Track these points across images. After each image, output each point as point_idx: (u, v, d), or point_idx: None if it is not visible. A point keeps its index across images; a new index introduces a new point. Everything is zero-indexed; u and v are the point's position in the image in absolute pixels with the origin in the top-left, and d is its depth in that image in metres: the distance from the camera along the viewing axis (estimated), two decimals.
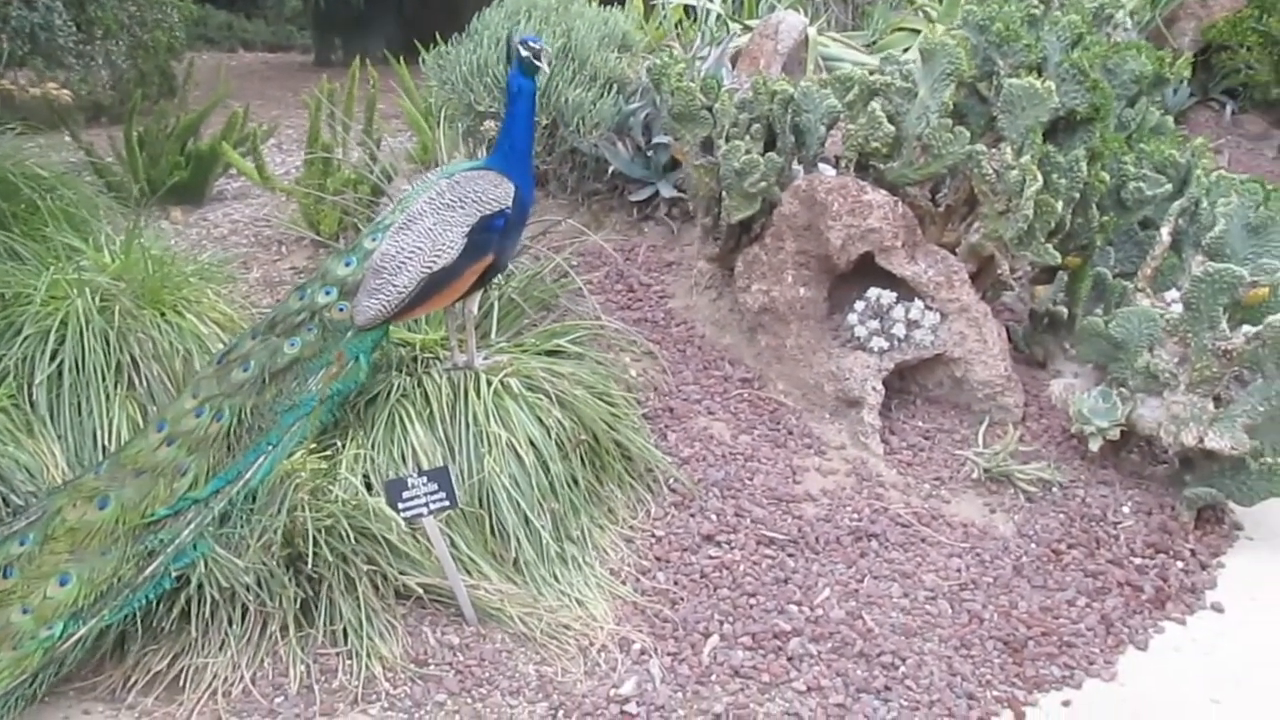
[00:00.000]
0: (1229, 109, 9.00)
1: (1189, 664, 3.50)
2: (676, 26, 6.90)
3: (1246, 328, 4.05)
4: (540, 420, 3.69)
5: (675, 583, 3.61)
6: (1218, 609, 3.75)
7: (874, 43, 7.21)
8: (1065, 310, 4.70)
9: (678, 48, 5.96)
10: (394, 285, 3.44)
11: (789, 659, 3.33)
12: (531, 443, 3.63)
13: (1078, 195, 4.32)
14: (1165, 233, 4.35)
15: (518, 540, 3.52)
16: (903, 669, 3.33)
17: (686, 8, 7.10)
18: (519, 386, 3.73)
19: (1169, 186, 4.66)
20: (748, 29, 6.65)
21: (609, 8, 5.65)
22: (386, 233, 3.50)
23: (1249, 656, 3.53)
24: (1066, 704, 3.30)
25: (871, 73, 4.69)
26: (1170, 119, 5.34)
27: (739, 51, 6.35)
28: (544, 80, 4.41)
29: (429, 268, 3.45)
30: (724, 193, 4.48)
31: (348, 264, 3.53)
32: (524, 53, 3.57)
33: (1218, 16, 8.96)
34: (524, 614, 3.39)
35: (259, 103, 9.75)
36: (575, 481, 3.72)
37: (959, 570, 3.76)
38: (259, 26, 17.16)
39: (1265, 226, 4.15)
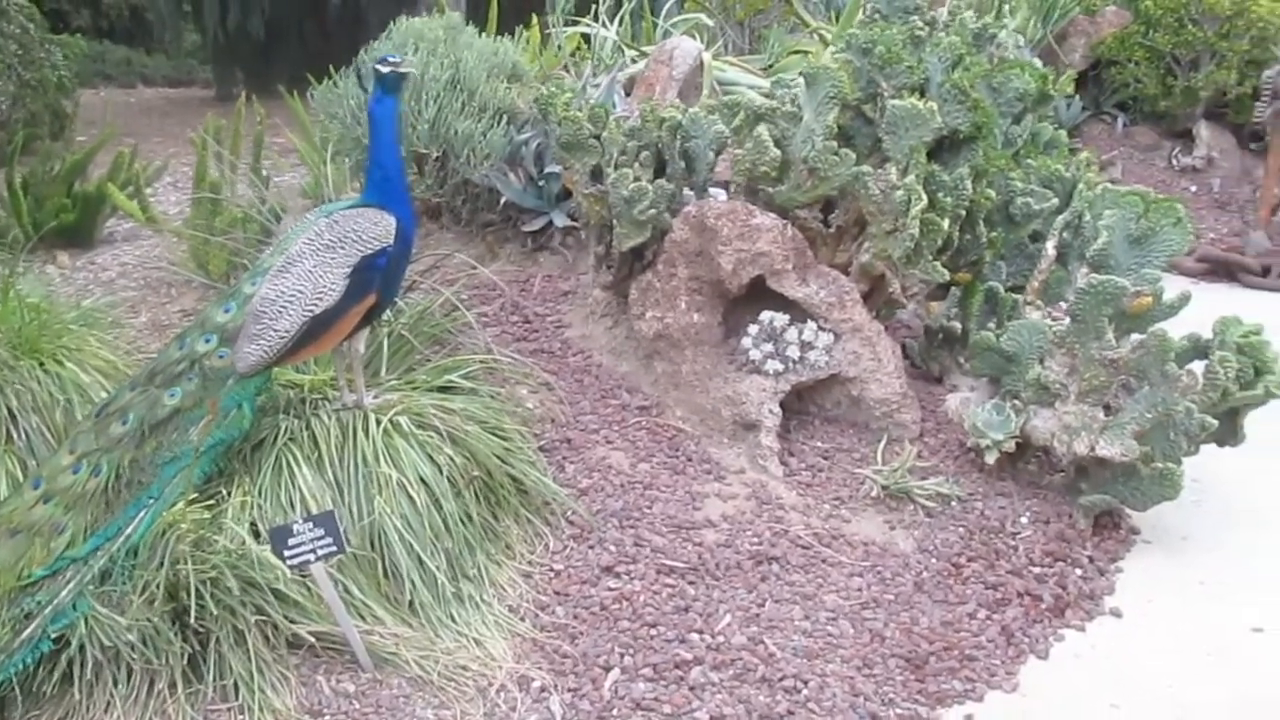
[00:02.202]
0: (1120, 122, 9.23)
1: (1089, 670, 3.54)
2: (573, 55, 6.90)
3: (1135, 337, 4.13)
4: (431, 458, 3.63)
5: (575, 617, 3.57)
6: (1116, 614, 3.80)
7: (770, 66, 7.27)
8: (959, 325, 4.76)
9: (568, 76, 5.95)
10: (275, 330, 3.36)
11: (691, 689, 3.30)
12: (423, 481, 3.57)
13: (964, 212, 4.37)
14: (1050, 246, 4.42)
15: (412, 582, 3.45)
16: (805, 692, 3.31)
17: (584, 35, 7.11)
18: (409, 424, 3.67)
19: (1056, 201, 4.74)
20: (644, 55, 6.67)
21: (499, 38, 5.63)
22: (265, 276, 3.43)
23: (1147, 659, 3.58)
24: (969, 718, 3.31)
25: (767, 96, 4.73)
26: (1064, 133, 5.44)
27: (635, 78, 6.37)
28: (411, 83, 4.31)
29: (311, 311, 3.38)
30: (615, 221, 4.47)
31: (227, 310, 3.45)
32: (384, 70, 3.51)
33: (1106, 33, 9.19)
34: (420, 657, 3.33)
35: (158, 139, 9.60)
36: (470, 518, 3.66)
37: (860, 589, 3.76)
38: (159, 61, 16.90)
39: (1146, 237, 4.23)
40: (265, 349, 3.36)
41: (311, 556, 3.13)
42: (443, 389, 3.97)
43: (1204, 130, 8.97)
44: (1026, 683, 3.46)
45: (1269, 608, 3.81)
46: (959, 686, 3.41)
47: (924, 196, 4.16)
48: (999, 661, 3.52)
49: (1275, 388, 4.02)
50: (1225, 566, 4.07)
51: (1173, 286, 4.32)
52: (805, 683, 3.34)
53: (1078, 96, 8.98)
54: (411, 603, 3.46)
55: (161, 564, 3.19)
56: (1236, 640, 3.67)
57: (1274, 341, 4.21)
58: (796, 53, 7.34)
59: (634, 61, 6.66)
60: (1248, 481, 4.58)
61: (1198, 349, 4.16)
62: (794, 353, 4.32)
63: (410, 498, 3.53)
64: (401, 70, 3.55)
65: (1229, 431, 4.13)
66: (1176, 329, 4.13)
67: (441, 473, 3.63)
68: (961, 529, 4.08)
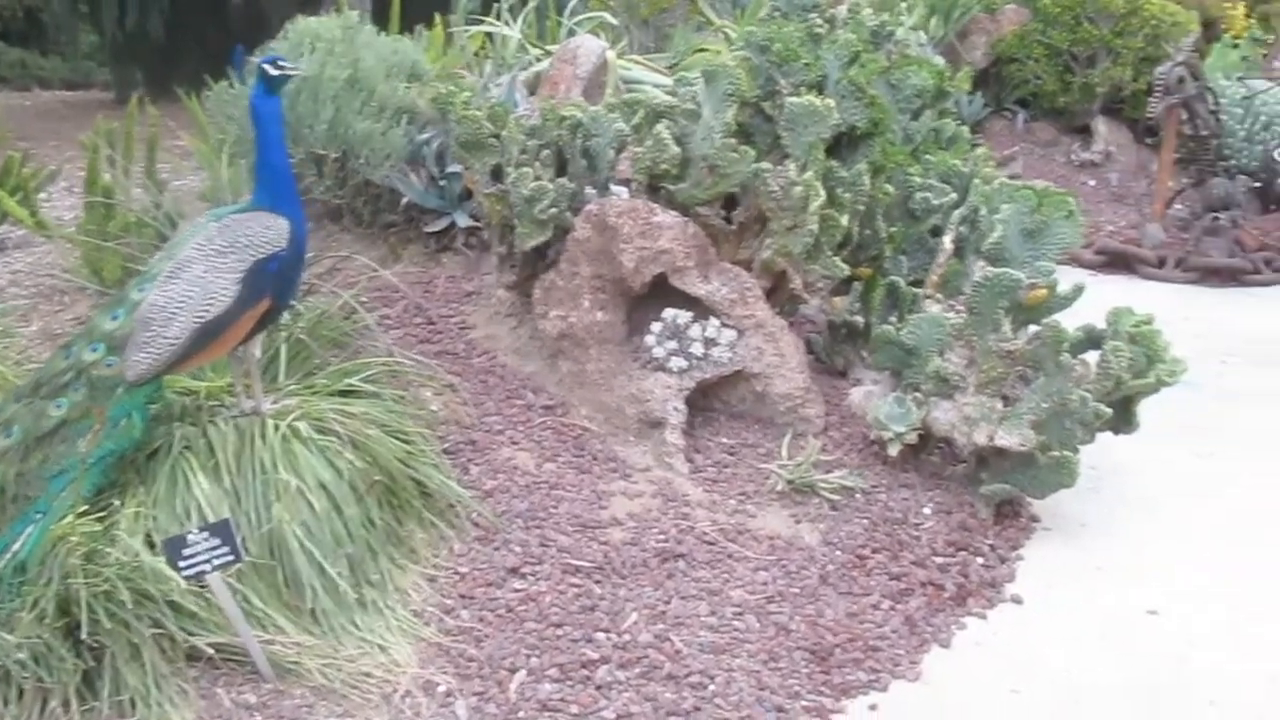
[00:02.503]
0: (1021, 118, 9.41)
1: (990, 657, 3.60)
2: (477, 54, 6.85)
3: (1032, 328, 4.21)
4: (332, 463, 3.57)
5: (480, 619, 3.54)
6: (1017, 600, 3.87)
7: (675, 65, 7.29)
8: (861, 320, 4.81)
9: (468, 75, 5.91)
10: (164, 337, 3.28)
11: (598, 688, 3.29)
12: (323, 487, 3.51)
13: (863, 208, 4.43)
14: (948, 241, 4.50)
15: (313, 589, 3.39)
16: (712, 687, 3.32)
17: (489, 34, 7.06)
18: (308, 429, 3.61)
19: (954, 196, 4.81)
20: (548, 54, 6.66)
21: (400, 37, 5.58)
22: (154, 282, 3.36)
23: (1046, 644, 3.65)
24: (873, 708, 3.34)
25: (671, 94, 4.74)
26: (966, 130, 5.53)
27: (540, 77, 6.36)
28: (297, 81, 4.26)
29: (201, 317, 3.31)
30: (516, 220, 4.45)
31: (114, 318, 3.37)
32: (274, 72, 3.45)
33: (1006, 31, 9.37)
34: (323, 665, 3.27)
35: (54, 143, 9.33)
36: (372, 523, 3.61)
37: (766, 583, 3.78)
38: (55, 63, 16.45)
39: (1040, 231, 4.31)
40: (154, 357, 3.29)
41: (207, 567, 3.07)
42: (343, 393, 3.92)
43: (1101, 125, 9.18)
44: (929, 671, 3.50)
45: (1162, 591, 3.91)
46: (863, 677, 3.44)
47: (822, 193, 4.20)
48: (903, 651, 3.56)
49: (1166, 376, 4.11)
50: (1121, 551, 4.17)
51: (1073, 279, 4.42)
52: (712, 678, 3.35)
53: (979, 93, 9.14)
54: (313, 610, 3.40)
55: (52, 579, 3.10)
56: (1131, 624, 3.76)
57: (1169, 330, 4.33)
58: (702, 50, 7.37)
59: (538, 60, 6.64)
60: (1143, 468, 4.69)
61: (1092, 339, 4.24)
62: (698, 350, 4.34)
63: (310, 504, 3.47)
64: (290, 73, 3.50)
65: (1123, 419, 4.22)
66: (1076, 320, 4.22)
67: (342, 478, 3.58)
68: (866, 521, 4.12)
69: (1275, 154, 7.95)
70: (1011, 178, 7.74)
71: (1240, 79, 8.88)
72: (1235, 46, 9.66)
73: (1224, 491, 4.60)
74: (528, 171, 4.33)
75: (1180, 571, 4.05)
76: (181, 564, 3.05)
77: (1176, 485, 4.64)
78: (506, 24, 6.80)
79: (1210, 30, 9.93)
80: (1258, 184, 7.96)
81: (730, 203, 4.68)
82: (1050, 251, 4.30)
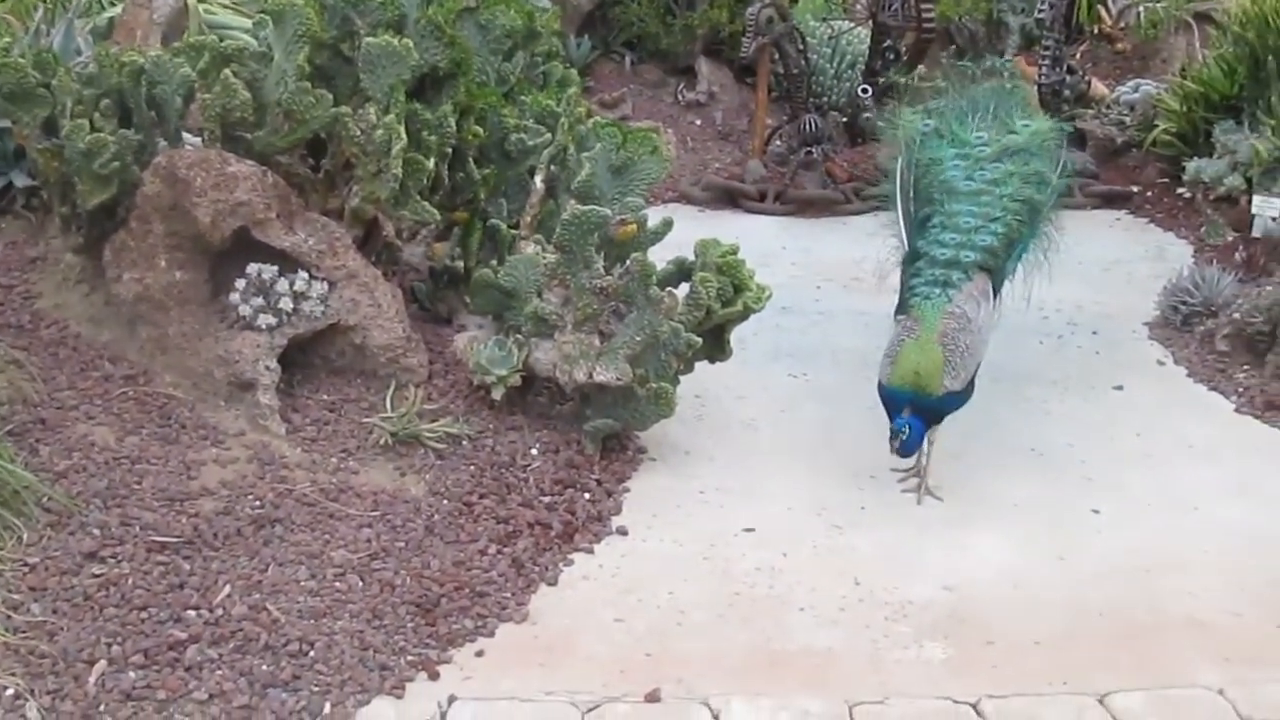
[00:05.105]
0: (629, 60, 9.56)
1: (596, 590, 3.68)
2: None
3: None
4: None
5: (54, 611, 3.26)
6: (623, 532, 3.98)
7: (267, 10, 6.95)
8: (462, 265, 4.77)
9: (14, 22, 5.41)
10: None
11: (187, 669, 3.12)
12: None
13: (450, 151, 4.37)
14: (539, 181, 4.52)
15: None
16: (312, 654, 3.22)
17: None
18: None
19: (549, 136, 4.83)
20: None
21: None
22: None
23: (649, 571, 3.77)
24: (480, 654, 3.35)
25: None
26: (574, 72, 5.55)
27: (113, 23, 5.90)
28: None
29: None
30: (76, 177, 4.11)
31: None
32: None
33: None
34: None
35: None
36: None
37: (369, 540, 3.70)
38: None
39: (626, 167, 4.40)
40: None
41: None
42: None
43: (704, 66, 9.46)
44: (536, 610, 3.54)
45: (759, 509, 4.12)
46: (470, 624, 3.44)
47: (404, 136, 4.11)
48: (510, 594, 3.58)
49: (753, 303, 4.31)
50: (722, 475, 4.35)
51: (681, 215, 4.54)
52: (312, 644, 3.25)
53: (586, 36, 9.23)
54: None
55: None
56: (730, 543, 3.93)
57: (770, 260, 4.51)
58: None
59: (114, 5, 6.16)
60: (744, 393, 4.92)
61: (683, 271, 4.38)
62: (287, 305, 4.15)
63: None
64: None
65: (716, 348, 4.41)
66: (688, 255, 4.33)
67: None
68: (473, 467, 4.10)
69: (859, 91, 8.45)
70: (622, 119, 7.94)
71: (825, 20, 9.38)
72: None
73: (814, 409, 4.87)
74: (83, 124, 3.99)
75: (774, 488, 4.27)
76: None
77: (773, 407, 4.89)
78: None
79: None
80: (845, 119, 8.47)
81: (319, 150, 4.52)
82: (638, 187, 4.40)
